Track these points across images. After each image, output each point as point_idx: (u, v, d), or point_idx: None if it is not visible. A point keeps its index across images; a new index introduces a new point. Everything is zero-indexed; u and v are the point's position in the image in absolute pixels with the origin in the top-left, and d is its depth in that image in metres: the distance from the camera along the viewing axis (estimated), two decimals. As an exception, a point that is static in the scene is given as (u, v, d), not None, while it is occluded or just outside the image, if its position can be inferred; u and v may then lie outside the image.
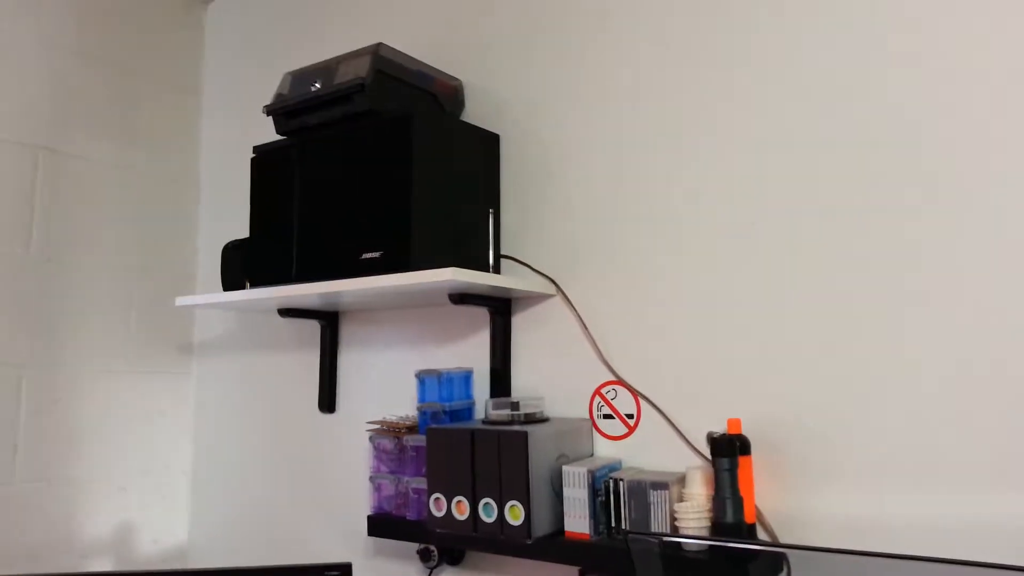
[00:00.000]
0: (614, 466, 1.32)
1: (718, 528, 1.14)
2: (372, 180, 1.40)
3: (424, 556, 1.48)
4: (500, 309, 1.49)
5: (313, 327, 1.79)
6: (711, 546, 1.11)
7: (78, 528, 1.75)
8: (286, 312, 1.66)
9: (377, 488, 1.47)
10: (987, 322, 1.07)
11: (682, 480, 1.23)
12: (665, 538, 1.09)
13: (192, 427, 1.98)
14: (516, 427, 1.29)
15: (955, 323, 1.09)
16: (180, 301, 1.65)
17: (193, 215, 2.05)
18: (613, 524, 1.23)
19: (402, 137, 1.37)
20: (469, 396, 1.48)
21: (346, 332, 1.74)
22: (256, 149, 1.58)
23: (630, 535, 1.09)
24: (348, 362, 1.72)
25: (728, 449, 1.14)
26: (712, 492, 1.17)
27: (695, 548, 1.13)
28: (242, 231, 1.95)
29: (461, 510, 1.30)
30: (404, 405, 1.61)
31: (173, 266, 1.99)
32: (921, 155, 1.13)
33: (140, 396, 1.89)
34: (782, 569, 1.14)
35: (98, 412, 1.81)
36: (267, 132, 1.92)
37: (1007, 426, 1.05)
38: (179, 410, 1.97)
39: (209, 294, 1.62)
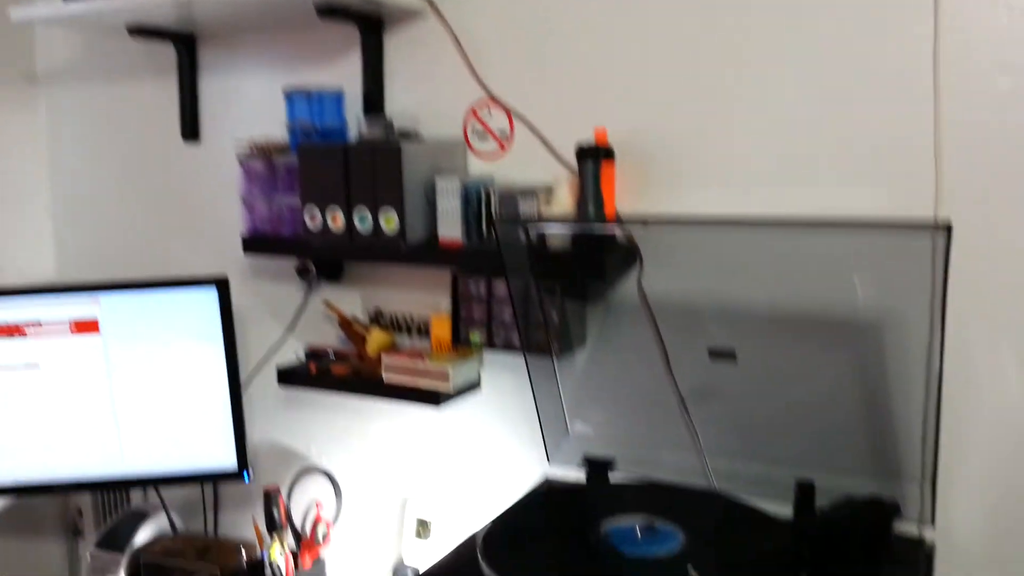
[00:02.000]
0: (487, 182, 1.36)
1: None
2: None
3: (302, 273, 1.52)
4: (371, 28, 1.44)
5: (169, 53, 1.67)
6: (573, 240, 1.20)
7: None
8: (137, 31, 1.54)
9: (250, 209, 1.47)
10: (838, 34, 1.13)
11: (550, 190, 1.30)
12: (530, 224, 1.17)
13: (48, 161, 1.88)
14: (390, 142, 1.30)
15: (806, 37, 1.15)
16: (16, 14, 1.50)
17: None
18: (484, 232, 1.30)
19: None
20: (341, 118, 1.45)
21: (206, 57, 1.64)
22: None
23: (499, 222, 1.16)
24: (209, 89, 1.64)
25: (592, 153, 1.21)
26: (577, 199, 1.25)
27: (559, 244, 1.22)
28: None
29: (336, 222, 1.33)
30: (272, 132, 1.57)
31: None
32: None
33: (-18, 127, 1.75)
34: (635, 260, 1.25)
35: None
36: None
37: (850, 129, 1.15)
38: (32, 144, 1.84)
39: (48, 4, 1.47)
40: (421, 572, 0.95)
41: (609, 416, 1.30)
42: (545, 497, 1.16)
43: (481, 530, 1.02)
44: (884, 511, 0.93)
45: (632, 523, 0.99)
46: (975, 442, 1.11)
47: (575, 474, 1.26)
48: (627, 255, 1.25)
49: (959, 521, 1.11)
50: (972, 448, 1.11)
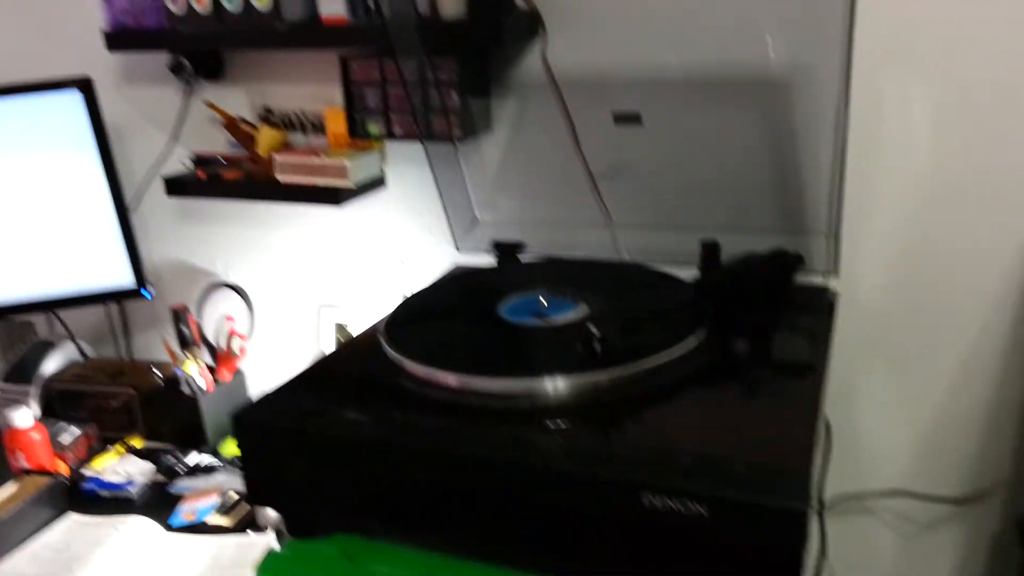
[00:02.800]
0: (369, -50, 1.22)
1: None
2: None
3: (177, 71, 1.38)
4: None
5: None
6: (468, 5, 1.09)
7: None
8: None
9: (108, 1, 1.30)
10: None
11: (439, -46, 1.17)
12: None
13: None
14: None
15: None
16: None
17: None
18: (371, 6, 1.17)
19: None
20: None
21: None
22: None
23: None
24: None
25: (482, -98, 1.08)
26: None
27: (453, 11, 1.11)
28: None
29: (201, 1, 1.18)
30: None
31: None
32: None
33: None
34: (537, 29, 1.16)
35: None
36: None
37: None
38: None
39: None
40: (324, 355, 0.92)
41: (518, 201, 1.25)
42: (451, 282, 1.13)
43: (386, 315, 0.99)
44: (787, 261, 0.92)
45: (535, 295, 0.97)
46: (881, 195, 1.10)
47: (485, 261, 1.23)
48: (528, 24, 1.15)
49: (863, 272, 1.12)
50: (878, 201, 1.10)
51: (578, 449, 0.69)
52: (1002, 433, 1.12)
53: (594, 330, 0.78)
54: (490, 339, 0.90)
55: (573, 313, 0.92)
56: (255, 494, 0.80)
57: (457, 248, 1.24)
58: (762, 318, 0.87)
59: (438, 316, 1.01)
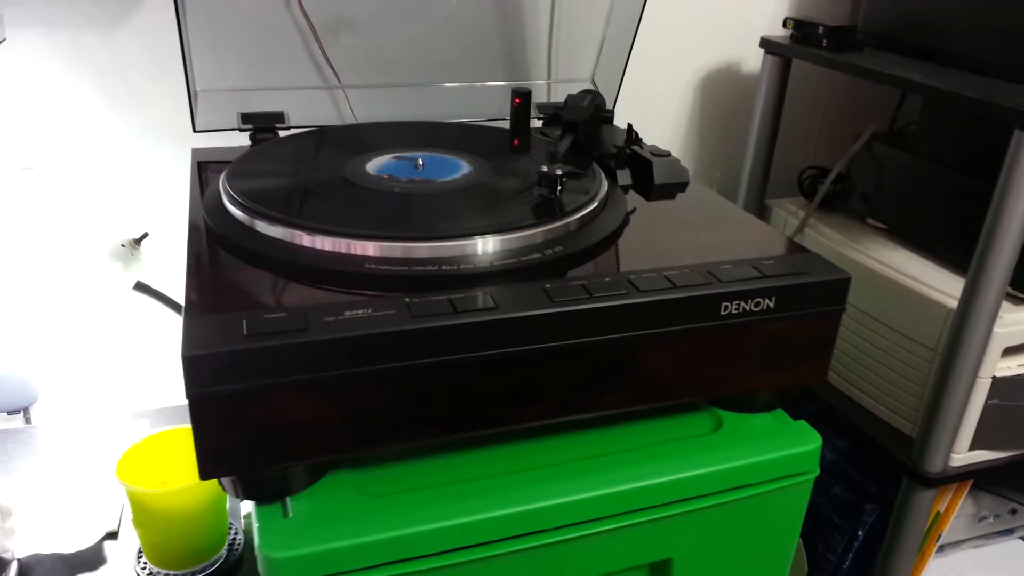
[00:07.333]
0: None
1: None
2: None
3: None
4: None
5: None
6: None
7: None
8: None
9: None
10: None
11: None
12: None
13: None
14: None
15: None
16: None
17: None
18: None
19: None
20: None
21: None
22: None
23: None
24: None
25: None
26: None
27: None
28: None
29: None
30: None
31: None
32: None
33: None
34: None
35: None
36: None
37: None
38: None
39: None
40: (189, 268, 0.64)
41: (232, 65, 1.02)
42: (268, 150, 0.88)
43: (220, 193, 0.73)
44: (600, 98, 0.96)
45: (408, 157, 0.83)
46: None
47: (223, 142, 0.97)
48: None
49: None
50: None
51: (624, 281, 0.64)
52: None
53: (559, 171, 0.72)
54: (393, 205, 0.75)
55: (465, 171, 0.82)
56: (215, 463, 0.55)
57: (194, 127, 0.95)
58: (617, 149, 0.91)
59: (305, 186, 0.79)
